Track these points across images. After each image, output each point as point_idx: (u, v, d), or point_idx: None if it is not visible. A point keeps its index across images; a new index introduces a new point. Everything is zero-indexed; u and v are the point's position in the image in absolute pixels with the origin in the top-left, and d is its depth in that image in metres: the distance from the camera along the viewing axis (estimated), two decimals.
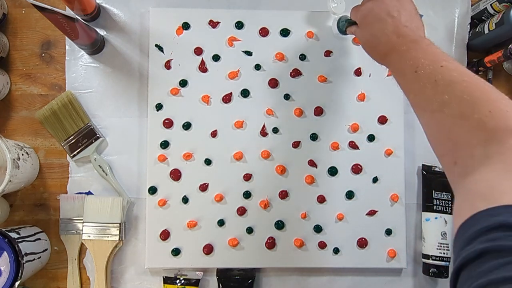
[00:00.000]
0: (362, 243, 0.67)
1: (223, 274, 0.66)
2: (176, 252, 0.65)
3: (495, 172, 0.34)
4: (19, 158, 0.61)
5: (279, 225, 0.67)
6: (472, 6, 0.72)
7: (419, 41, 0.47)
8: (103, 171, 0.67)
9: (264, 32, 0.69)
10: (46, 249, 0.66)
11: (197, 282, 0.66)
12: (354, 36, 0.67)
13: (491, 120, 0.36)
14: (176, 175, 0.67)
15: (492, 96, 0.38)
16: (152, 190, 0.66)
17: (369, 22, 0.52)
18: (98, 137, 0.67)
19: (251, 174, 0.67)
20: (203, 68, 0.68)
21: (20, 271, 0.58)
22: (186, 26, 0.68)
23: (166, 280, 0.66)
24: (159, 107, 0.67)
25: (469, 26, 0.72)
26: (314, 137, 0.68)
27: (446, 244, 0.66)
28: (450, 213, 0.68)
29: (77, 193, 0.67)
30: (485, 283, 0.27)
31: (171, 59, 0.68)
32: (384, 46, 0.50)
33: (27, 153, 0.64)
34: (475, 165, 0.36)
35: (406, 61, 0.46)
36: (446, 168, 0.40)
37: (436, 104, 0.41)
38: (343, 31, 0.63)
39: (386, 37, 0.49)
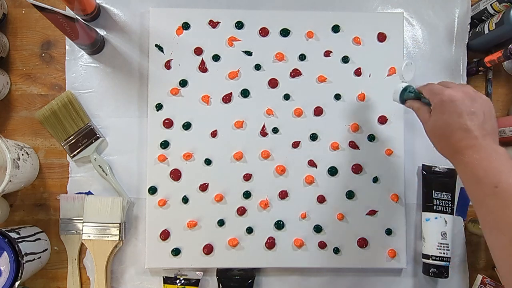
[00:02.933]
0: (362, 243, 0.67)
1: (223, 274, 0.66)
2: (176, 252, 0.65)
3: None
4: (19, 158, 0.61)
5: (279, 225, 0.67)
6: (472, 6, 0.72)
7: (498, 151, 0.44)
8: (103, 171, 0.67)
9: (264, 32, 0.69)
10: (46, 249, 0.66)
11: (197, 282, 0.66)
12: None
13: None
14: (176, 175, 0.67)
15: None
16: (152, 190, 0.66)
17: (447, 111, 0.48)
18: (98, 137, 0.67)
19: (251, 174, 0.67)
20: (203, 68, 0.68)
21: (20, 271, 0.58)
22: (186, 26, 0.68)
23: (166, 280, 0.66)
24: (159, 107, 0.67)
25: (469, 26, 0.72)
26: (314, 137, 0.68)
27: (446, 244, 0.66)
28: (450, 213, 0.68)
29: (77, 193, 0.67)
30: None
31: (171, 59, 0.68)
32: (458, 143, 0.47)
33: (27, 153, 0.64)
34: None
35: (485, 170, 0.43)
36: None
37: None
38: (403, 101, 0.58)
39: (462, 134, 0.46)
